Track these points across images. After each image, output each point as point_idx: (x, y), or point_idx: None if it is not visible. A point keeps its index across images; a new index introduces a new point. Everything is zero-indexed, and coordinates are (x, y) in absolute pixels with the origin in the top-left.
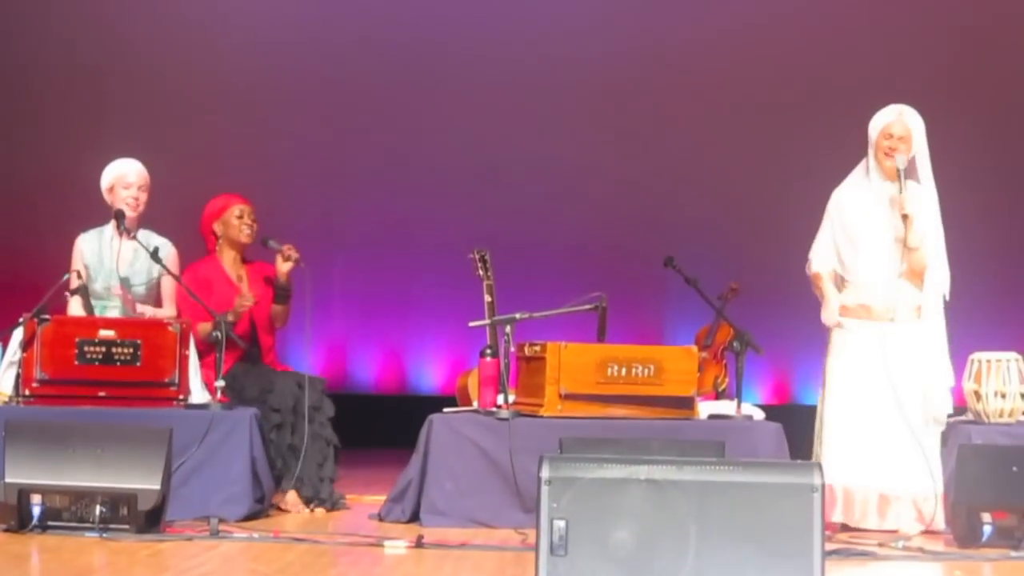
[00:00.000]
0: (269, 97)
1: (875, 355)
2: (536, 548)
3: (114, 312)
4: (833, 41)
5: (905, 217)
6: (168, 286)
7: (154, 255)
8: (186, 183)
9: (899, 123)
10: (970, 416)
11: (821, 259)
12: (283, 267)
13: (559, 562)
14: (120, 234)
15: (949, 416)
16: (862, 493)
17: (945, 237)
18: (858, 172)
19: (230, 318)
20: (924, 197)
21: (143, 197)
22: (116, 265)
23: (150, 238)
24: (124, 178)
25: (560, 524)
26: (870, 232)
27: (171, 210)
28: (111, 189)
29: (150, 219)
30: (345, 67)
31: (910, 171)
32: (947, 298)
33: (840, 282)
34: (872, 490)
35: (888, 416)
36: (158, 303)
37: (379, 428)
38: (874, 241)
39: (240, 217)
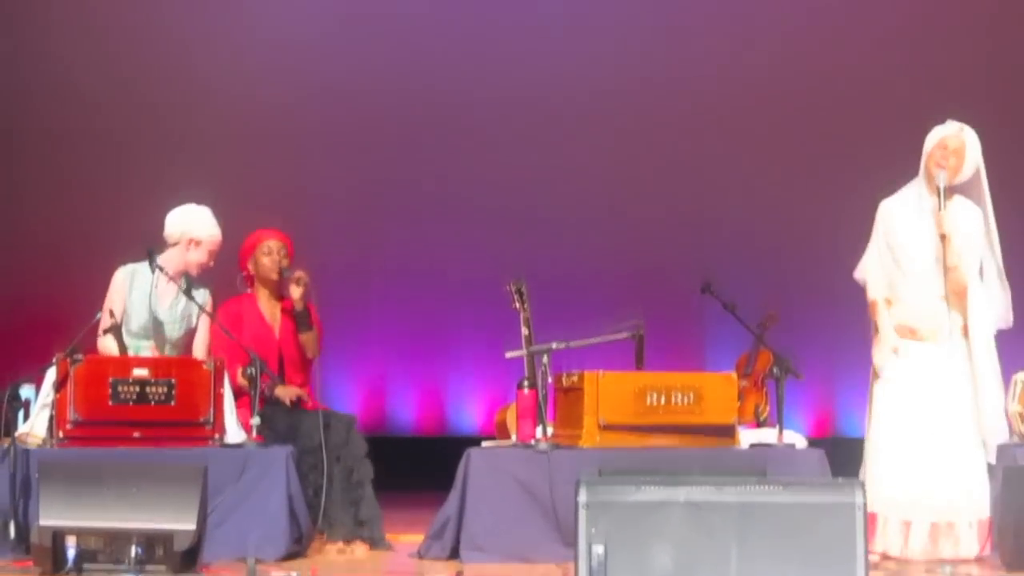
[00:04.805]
0: (302, 134)
1: (922, 378)
2: (575, 574)
3: (147, 352)
4: (874, 63)
5: (943, 237)
6: (203, 331)
7: (187, 292)
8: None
9: (956, 137)
10: (1015, 439)
11: (876, 281)
12: (294, 293)
13: None
14: (153, 271)
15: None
16: (912, 521)
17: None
18: (909, 186)
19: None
20: (969, 215)
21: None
22: (152, 304)
23: (190, 284)
24: (205, 242)
25: (599, 549)
26: (915, 250)
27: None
28: (183, 241)
29: None
30: (378, 103)
31: (969, 190)
32: (1011, 322)
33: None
34: (924, 520)
35: (936, 441)
36: (188, 351)
37: (420, 470)
38: (919, 260)
39: (268, 254)
